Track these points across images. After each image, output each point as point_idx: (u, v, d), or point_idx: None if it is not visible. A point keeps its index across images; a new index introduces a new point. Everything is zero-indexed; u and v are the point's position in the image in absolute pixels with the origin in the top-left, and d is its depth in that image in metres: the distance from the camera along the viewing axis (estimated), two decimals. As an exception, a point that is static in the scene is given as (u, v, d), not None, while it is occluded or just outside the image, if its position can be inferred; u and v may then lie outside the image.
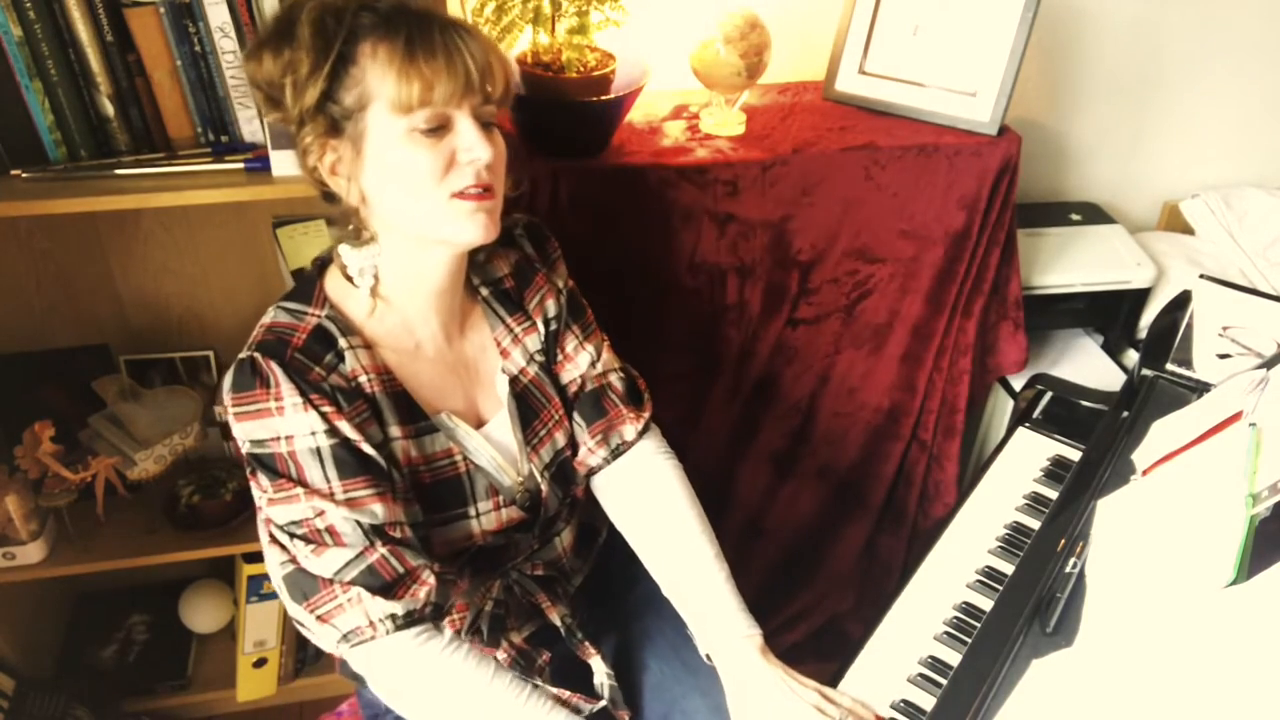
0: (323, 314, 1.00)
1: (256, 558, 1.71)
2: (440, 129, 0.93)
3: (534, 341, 1.15)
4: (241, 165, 1.29)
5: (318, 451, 0.95)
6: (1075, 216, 1.89)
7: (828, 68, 1.62)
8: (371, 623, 0.95)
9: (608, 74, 1.39)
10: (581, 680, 1.14)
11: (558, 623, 1.15)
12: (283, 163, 1.27)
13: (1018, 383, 1.75)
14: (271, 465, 0.95)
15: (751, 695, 1.03)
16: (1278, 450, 0.88)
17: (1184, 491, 0.95)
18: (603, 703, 1.12)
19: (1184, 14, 1.82)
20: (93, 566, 1.52)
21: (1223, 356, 1.23)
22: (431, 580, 0.98)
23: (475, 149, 0.94)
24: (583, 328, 1.19)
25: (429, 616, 1.00)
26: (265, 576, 1.73)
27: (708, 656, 1.08)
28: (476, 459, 1.07)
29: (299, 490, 0.95)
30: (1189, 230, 1.99)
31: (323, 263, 1.06)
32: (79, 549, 1.54)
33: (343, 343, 0.99)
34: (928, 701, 1.00)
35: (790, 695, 1.00)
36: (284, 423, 0.94)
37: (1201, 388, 1.19)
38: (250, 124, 1.31)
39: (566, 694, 1.09)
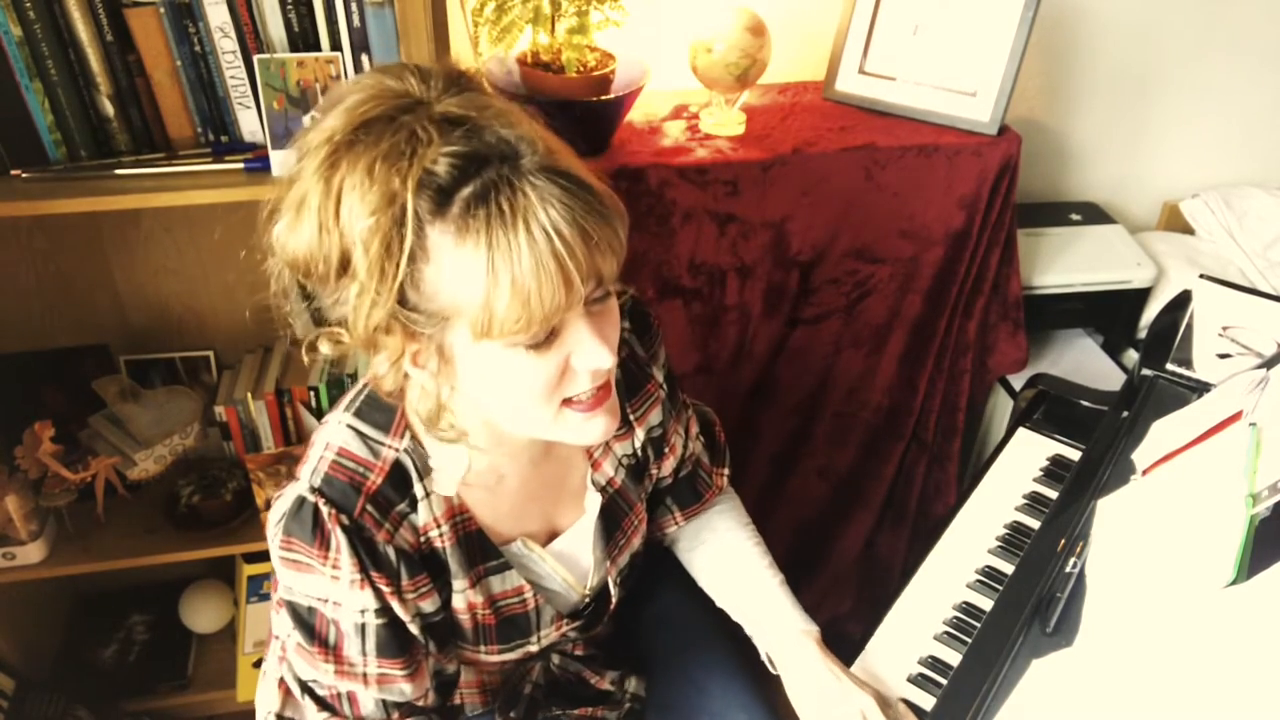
0: (402, 447, 0.86)
1: (256, 558, 1.71)
2: (549, 338, 0.74)
3: (626, 446, 1.02)
4: (241, 165, 1.28)
5: (362, 629, 0.86)
6: (1075, 216, 1.89)
7: (828, 68, 1.62)
8: None
9: (608, 74, 1.39)
10: (593, 689, 1.13)
11: (609, 688, 1.12)
12: (283, 163, 1.27)
13: (1018, 383, 1.75)
14: (309, 623, 0.87)
15: (811, 689, 1.00)
16: (1278, 450, 0.88)
17: (1184, 491, 0.95)
18: (626, 706, 1.12)
19: (1184, 14, 1.81)
20: (93, 566, 1.52)
21: (1223, 356, 1.22)
22: None
23: (594, 358, 0.76)
24: (680, 412, 1.08)
25: None
26: (265, 576, 1.74)
27: (768, 657, 1.06)
28: (548, 584, 0.99)
29: (331, 661, 0.88)
30: (1189, 230, 1.99)
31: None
32: (79, 549, 1.53)
33: (418, 489, 0.87)
34: (928, 701, 1.00)
35: (848, 695, 0.98)
36: (335, 590, 0.84)
37: (1201, 388, 1.19)
38: (250, 124, 1.31)
39: (589, 710, 1.08)
